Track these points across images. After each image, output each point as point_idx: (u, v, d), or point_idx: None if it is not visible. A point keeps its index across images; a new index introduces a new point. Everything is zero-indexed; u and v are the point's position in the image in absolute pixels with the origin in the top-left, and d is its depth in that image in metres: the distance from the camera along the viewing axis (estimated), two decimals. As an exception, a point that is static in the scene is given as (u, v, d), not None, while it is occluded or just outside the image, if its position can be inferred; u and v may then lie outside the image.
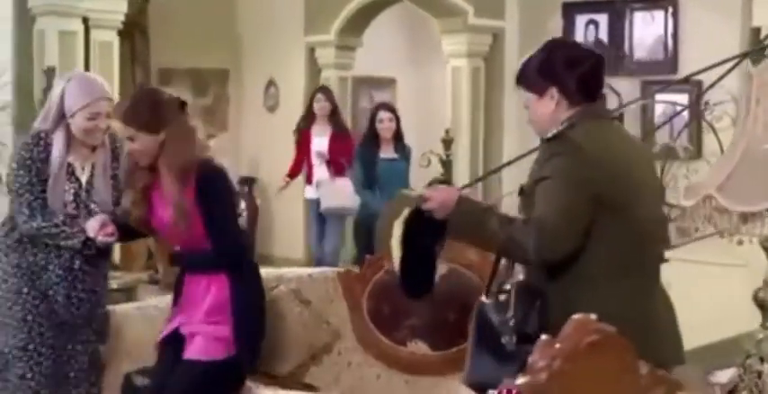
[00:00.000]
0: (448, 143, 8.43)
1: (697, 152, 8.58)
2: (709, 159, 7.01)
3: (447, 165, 8.26)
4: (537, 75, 3.71)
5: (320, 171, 9.68)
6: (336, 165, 9.53)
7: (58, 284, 4.74)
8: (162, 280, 8.31)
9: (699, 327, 5.88)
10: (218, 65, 11.96)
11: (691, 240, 6.74)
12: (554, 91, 3.66)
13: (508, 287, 3.62)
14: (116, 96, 7.54)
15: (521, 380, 2.16)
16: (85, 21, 8.07)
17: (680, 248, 6.50)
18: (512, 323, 3.53)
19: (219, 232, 4.49)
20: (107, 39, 8.24)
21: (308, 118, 9.91)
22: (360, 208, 8.73)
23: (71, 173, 4.72)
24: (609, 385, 2.26)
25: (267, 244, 11.22)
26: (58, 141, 4.66)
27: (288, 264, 7.54)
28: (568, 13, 10.31)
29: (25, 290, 4.69)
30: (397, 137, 8.70)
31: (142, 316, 5.07)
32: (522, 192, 3.67)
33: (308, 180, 9.97)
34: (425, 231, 3.81)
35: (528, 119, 3.83)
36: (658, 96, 9.25)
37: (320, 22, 11.10)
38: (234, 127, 12.19)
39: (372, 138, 8.69)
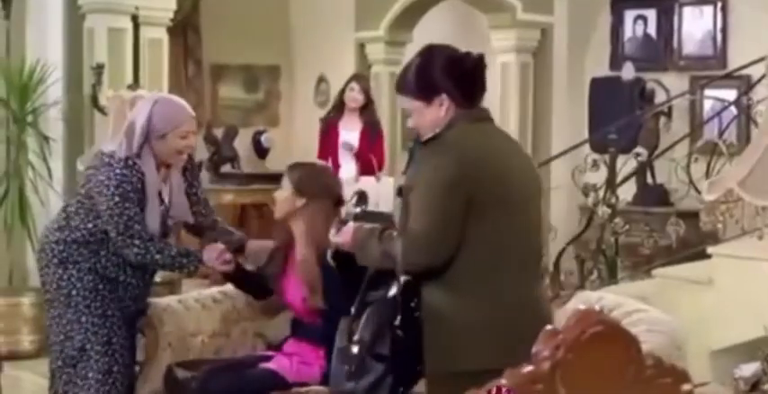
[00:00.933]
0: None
1: (744, 148, 8.53)
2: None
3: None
4: (425, 81, 3.74)
5: (347, 168, 8.77)
6: (365, 163, 8.81)
7: (129, 286, 4.90)
8: (212, 275, 8.39)
9: (741, 323, 5.90)
10: (270, 61, 12.02)
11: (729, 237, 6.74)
12: (443, 96, 3.71)
13: None
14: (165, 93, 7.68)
15: (525, 370, 2.20)
16: (134, 18, 8.16)
17: (722, 244, 6.50)
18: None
19: (334, 315, 4.67)
20: (156, 36, 8.31)
21: (338, 109, 9.00)
22: None
23: (158, 194, 4.81)
24: (613, 376, 2.29)
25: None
26: (149, 166, 4.73)
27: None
28: (617, 8, 10.29)
29: (101, 286, 4.82)
30: None
31: (184, 308, 5.17)
32: (400, 192, 3.72)
33: None
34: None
35: (413, 125, 3.84)
36: (707, 92, 9.20)
37: (370, 17, 11.13)
38: (285, 123, 12.24)
39: None
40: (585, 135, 9.61)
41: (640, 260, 8.11)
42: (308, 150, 11.92)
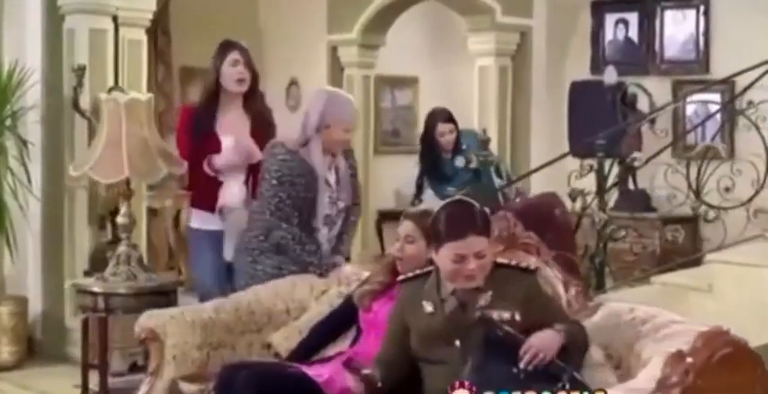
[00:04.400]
0: (485, 143, 8.27)
1: (730, 152, 8.50)
2: (751, 159, 6.93)
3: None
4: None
5: (233, 185, 5.94)
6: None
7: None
8: (186, 281, 8.29)
9: (742, 329, 5.83)
10: (240, 64, 11.85)
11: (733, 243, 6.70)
12: None
13: None
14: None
15: (652, 396, 2.08)
16: (114, 19, 7.93)
17: (721, 251, 6.46)
18: None
19: None
20: (136, 37, 8.09)
21: (212, 96, 5.99)
22: None
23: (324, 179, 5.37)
24: (740, 398, 2.18)
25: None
26: (316, 153, 5.32)
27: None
28: (597, 11, 10.25)
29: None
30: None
31: (185, 321, 5.04)
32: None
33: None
34: None
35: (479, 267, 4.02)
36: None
37: (343, 20, 11.00)
38: (255, 126, 12.09)
39: None
40: (565, 139, 9.53)
41: (625, 266, 8.05)
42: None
